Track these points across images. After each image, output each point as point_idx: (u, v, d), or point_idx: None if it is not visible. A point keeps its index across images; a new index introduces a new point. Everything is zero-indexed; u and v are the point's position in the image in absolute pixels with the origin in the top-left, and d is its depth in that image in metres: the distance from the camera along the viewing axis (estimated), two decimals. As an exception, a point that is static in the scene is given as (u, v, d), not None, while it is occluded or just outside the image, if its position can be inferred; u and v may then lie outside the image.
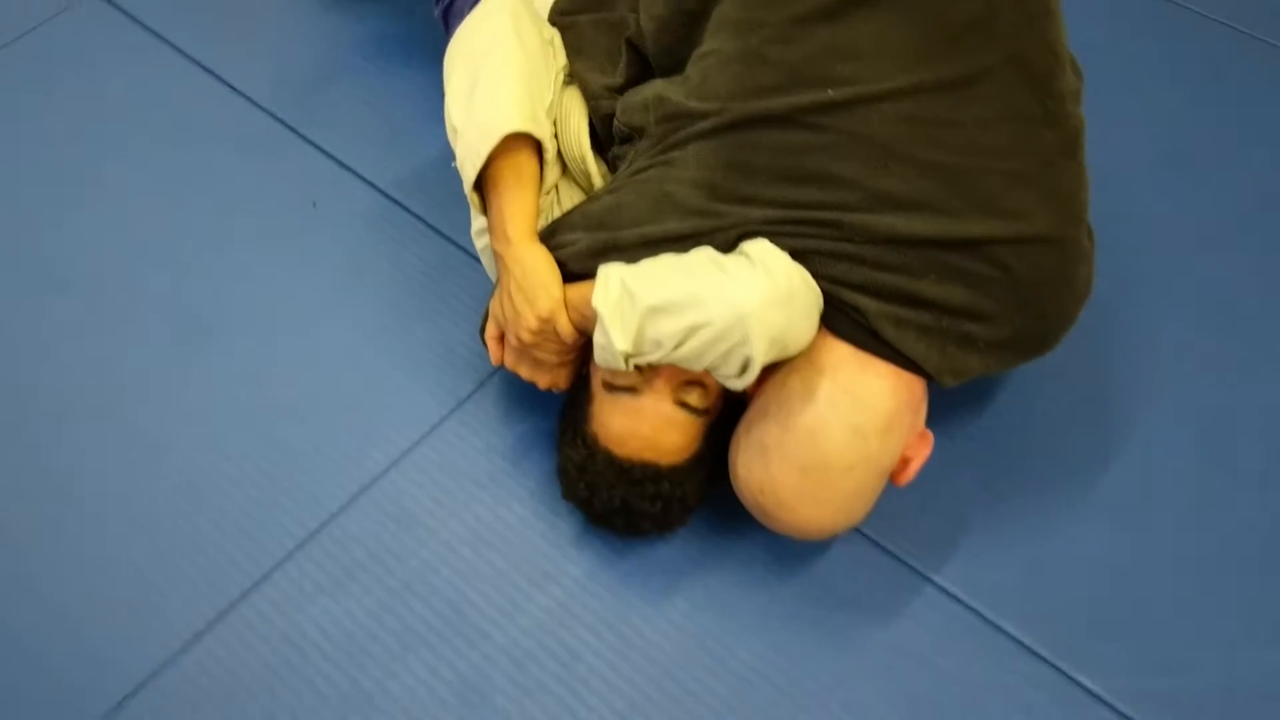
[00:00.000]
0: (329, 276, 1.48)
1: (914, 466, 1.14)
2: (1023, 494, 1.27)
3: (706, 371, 1.08)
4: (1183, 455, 1.30)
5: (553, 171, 1.20)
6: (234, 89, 1.69)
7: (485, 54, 1.19)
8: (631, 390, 1.14)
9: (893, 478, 1.14)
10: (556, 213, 1.23)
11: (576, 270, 1.14)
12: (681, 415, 1.14)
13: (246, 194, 1.57)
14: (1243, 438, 1.31)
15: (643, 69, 1.26)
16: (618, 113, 1.21)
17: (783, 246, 1.06)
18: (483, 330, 1.28)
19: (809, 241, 1.06)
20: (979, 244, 1.05)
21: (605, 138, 1.26)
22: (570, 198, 1.26)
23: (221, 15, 1.80)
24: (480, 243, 1.27)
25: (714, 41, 1.14)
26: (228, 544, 1.25)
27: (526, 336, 1.16)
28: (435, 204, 1.54)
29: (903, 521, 1.24)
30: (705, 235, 1.09)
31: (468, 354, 1.40)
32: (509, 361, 1.24)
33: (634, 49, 1.26)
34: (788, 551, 1.23)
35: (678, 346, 1.04)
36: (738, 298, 1.02)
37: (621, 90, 1.25)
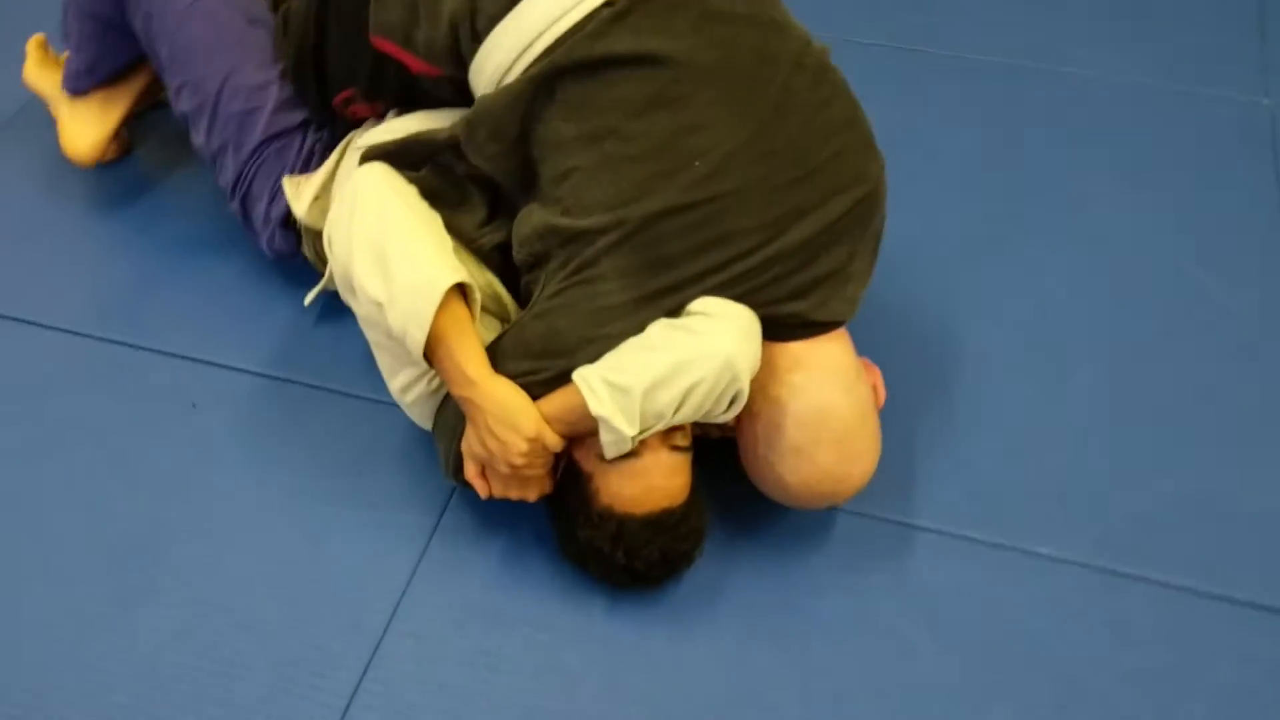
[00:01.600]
0: (238, 470, 1.48)
1: (880, 390, 1.37)
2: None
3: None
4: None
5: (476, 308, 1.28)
6: (47, 327, 1.64)
7: (380, 223, 1.24)
8: (631, 456, 1.24)
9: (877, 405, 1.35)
10: None
11: (540, 395, 1.23)
12: (678, 458, 1.27)
13: (116, 424, 1.52)
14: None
15: (495, 196, 1.36)
16: (515, 246, 1.29)
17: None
18: (457, 473, 1.32)
19: (740, 288, 1.22)
20: (843, 215, 1.25)
21: (494, 268, 1.36)
22: (484, 325, 1.33)
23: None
24: (409, 397, 1.34)
25: (565, 159, 1.23)
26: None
27: (518, 460, 1.23)
28: (315, 368, 1.58)
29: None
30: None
31: (413, 498, 1.44)
32: (498, 490, 1.30)
33: (480, 182, 1.34)
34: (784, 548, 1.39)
35: (678, 410, 1.17)
36: (717, 348, 1.16)
37: (488, 222, 1.35)
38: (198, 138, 1.57)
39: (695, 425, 1.31)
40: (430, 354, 1.23)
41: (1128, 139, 1.94)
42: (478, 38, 1.26)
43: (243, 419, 1.53)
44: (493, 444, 1.23)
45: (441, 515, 1.42)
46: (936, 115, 1.97)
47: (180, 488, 1.46)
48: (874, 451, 1.31)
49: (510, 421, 1.21)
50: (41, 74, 1.83)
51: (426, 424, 1.38)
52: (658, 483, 1.26)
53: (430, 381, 1.31)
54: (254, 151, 1.53)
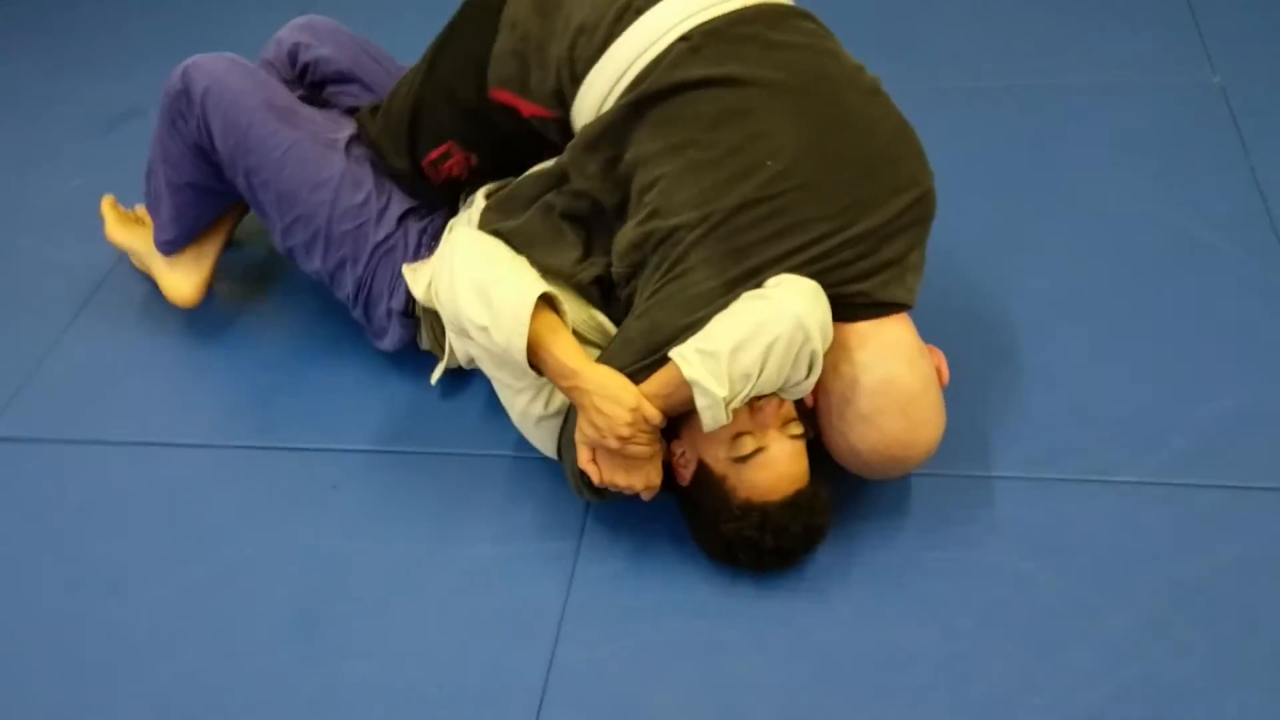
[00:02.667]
0: (388, 535, 1.62)
1: (944, 370, 1.52)
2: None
3: (781, 398, 1.40)
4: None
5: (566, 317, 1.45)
6: (179, 445, 1.79)
7: (476, 263, 1.44)
8: (759, 451, 1.40)
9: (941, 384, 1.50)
10: None
11: (639, 382, 1.39)
12: (797, 444, 1.43)
13: (265, 514, 1.68)
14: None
15: (589, 235, 1.55)
16: (615, 261, 1.48)
17: None
18: (582, 484, 1.48)
19: (812, 269, 1.39)
20: (902, 212, 1.43)
21: (594, 302, 1.54)
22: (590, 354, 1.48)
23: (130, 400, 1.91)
24: (531, 422, 1.52)
25: (653, 169, 1.41)
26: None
27: (624, 431, 1.36)
28: (437, 437, 1.74)
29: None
30: None
31: (552, 527, 1.60)
32: (606, 474, 1.43)
33: (574, 222, 1.53)
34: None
35: (761, 370, 1.33)
36: (787, 307, 1.32)
37: (584, 259, 1.54)
38: (312, 263, 1.76)
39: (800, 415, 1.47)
40: (534, 360, 1.40)
41: (1104, 131, 2.15)
42: (577, 79, 1.49)
43: (381, 491, 1.68)
44: (599, 420, 1.37)
45: (581, 537, 1.57)
46: (941, 134, 2.19)
47: (337, 559, 1.60)
48: (939, 419, 1.45)
49: (613, 396, 1.36)
50: (123, 231, 2.02)
51: (551, 448, 1.54)
52: (784, 469, 1.41)
53: (547, 401, 1.49)
54: (369, 259, 1.73)
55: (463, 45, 1.61)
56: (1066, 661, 1.37)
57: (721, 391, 1.32)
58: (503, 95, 1.56)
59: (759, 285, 1.38)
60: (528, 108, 1.56)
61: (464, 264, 1.45)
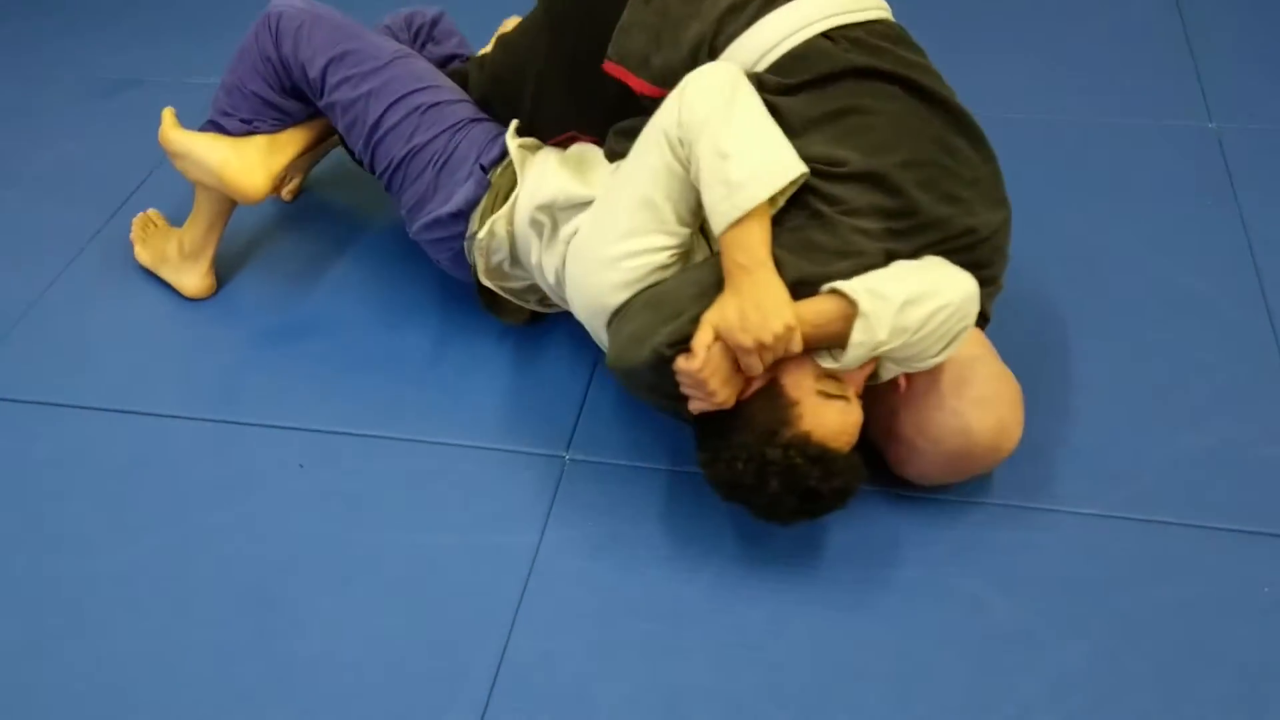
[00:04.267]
0: (351, 517, 1.62)
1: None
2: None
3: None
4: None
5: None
6: (148, 414, 1.79)
7: (761, 117, 1.39)
8: (843, 399, 1.39)
9: None
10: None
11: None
12: (861, 411, 1.42)
13: (234, 488, 1.67)
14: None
15: None
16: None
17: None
18: (670, 347, 1.37)
19: (960, 254, 1.41)
20: (999, 228, 1.46)
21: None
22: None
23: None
24: (627, 264, 1.43)
25: (809, 133, 1.41)
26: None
27: (769, 338, 1.30)
28: (405, 423, 1.74)
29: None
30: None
31: (516, 519, 1.60)
32: (707, 368, 1.34)
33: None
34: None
35: (920, 329, 1.32)
36: (964, 281, 1.36)
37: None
38: (398, 145, 1.73)
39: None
40: (738, 222, 1.32)
41: (1097, 171, 2.16)
42: (714, 54, 1.49)
43: (347, 473, 1.68)
44: (754, 315, 1.31)
45: (543, 532, 1.57)
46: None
47: (300, 536, 1.60)
48: (1019, 403, 1.51)
49: (778, 302, 1.32)
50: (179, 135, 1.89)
51: (592, 308, 1.49)
52: (853, 425, 1.40)
53: (671, 255, 1.43)
54: (459, 126, 1.72)
55: (594, 8, 1.59)
56: (1015, 687, 1.37)
57: (883, 335, 1.31)
58: (617, 70, 1.56)
59: (912, 236, 1.39)
60: (641, 85, 1.55)
61: (746, 102, 1.39)
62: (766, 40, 1.46)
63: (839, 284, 1.33)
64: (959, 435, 1.47)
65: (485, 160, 1.70)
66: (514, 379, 1.80)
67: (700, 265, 1.45)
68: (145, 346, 1.92)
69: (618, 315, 1.45)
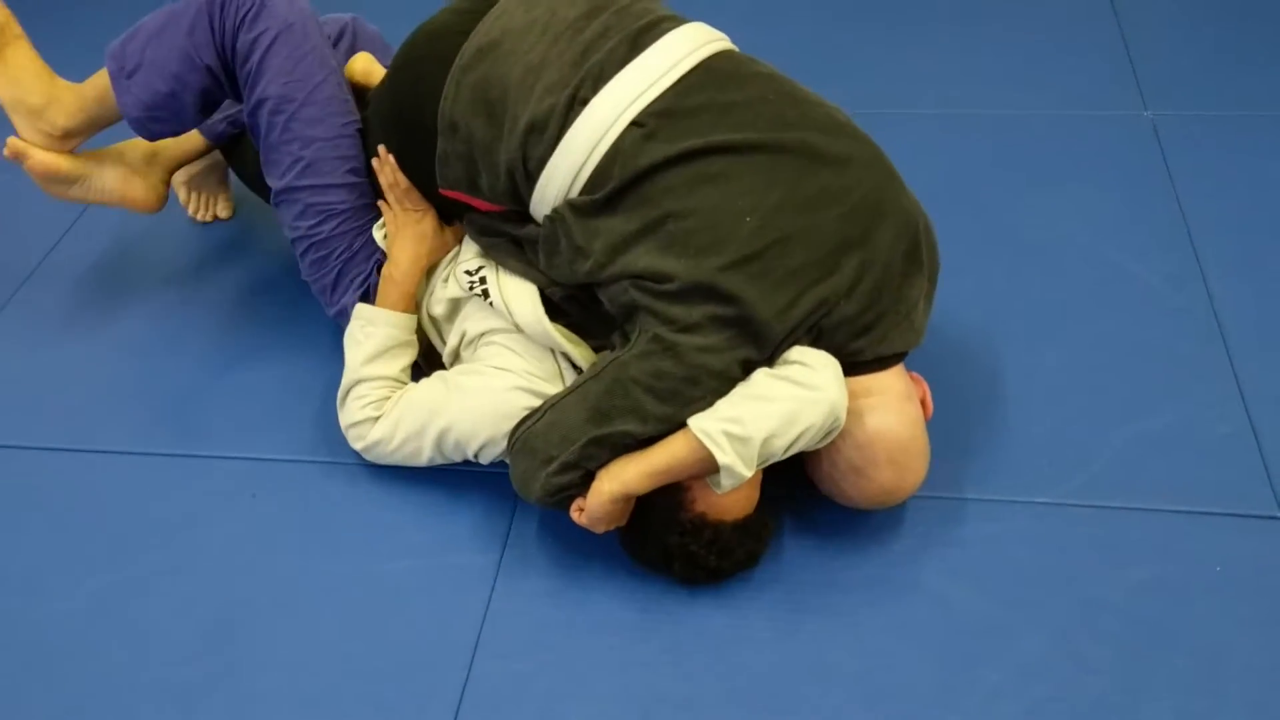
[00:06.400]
0: (307, 547, 1.61)
1: (928, 402, 1.53)
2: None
3: None
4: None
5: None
6: (100, 451, 1.76)
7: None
8: None
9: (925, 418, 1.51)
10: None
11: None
12: (758, 473, 1.40)
13: (184, 523, 1.65)
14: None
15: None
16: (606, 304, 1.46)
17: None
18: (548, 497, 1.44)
19: (812, 334, 1.38)
20: (889, 246, 1.39)
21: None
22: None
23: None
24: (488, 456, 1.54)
25: (634, 249, 1.38)
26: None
27: (600, 528, 1.44)
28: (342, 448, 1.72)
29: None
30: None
31: (474, 540, 1.59)
32: (589, 521, 1.43)
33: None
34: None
35: (788, 450, 1.33)
36: (822, 398, 1.32)
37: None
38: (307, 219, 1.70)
39: None
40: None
41: (1036, 161, 2.19)
42: (531, 178, 1.45)
43: (300, 501, 1.66)
44: (597, 509, 1.40)
45: (503, 551, 1.56)
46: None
47: (256, 568, 1.58)
48: (924, 463, 1.47)
49: (603, 498, 1.39)
50: None
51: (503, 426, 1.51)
52: (746, 493, 1.43)
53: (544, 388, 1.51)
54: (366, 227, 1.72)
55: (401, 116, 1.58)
56: (979, 679, 1.38)
57: (748, 473, 1.32)
58: (453, 194, 1.56)
59: (770, 363, 1.37)
60: (482, 205, 1.55)
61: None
62: (576, 158, 1.40)
63: (698, 427, 1.32)
64: (843, 499, 1.50)
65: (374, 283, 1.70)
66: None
67: (561, 405, 1.43)
68: (88, 382, 1.89)
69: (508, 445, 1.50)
